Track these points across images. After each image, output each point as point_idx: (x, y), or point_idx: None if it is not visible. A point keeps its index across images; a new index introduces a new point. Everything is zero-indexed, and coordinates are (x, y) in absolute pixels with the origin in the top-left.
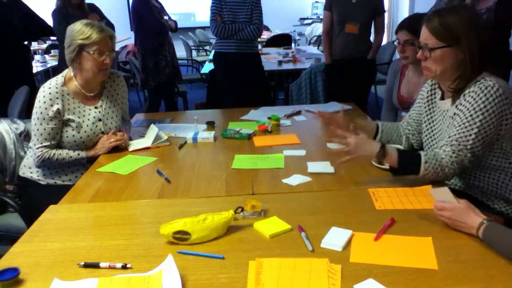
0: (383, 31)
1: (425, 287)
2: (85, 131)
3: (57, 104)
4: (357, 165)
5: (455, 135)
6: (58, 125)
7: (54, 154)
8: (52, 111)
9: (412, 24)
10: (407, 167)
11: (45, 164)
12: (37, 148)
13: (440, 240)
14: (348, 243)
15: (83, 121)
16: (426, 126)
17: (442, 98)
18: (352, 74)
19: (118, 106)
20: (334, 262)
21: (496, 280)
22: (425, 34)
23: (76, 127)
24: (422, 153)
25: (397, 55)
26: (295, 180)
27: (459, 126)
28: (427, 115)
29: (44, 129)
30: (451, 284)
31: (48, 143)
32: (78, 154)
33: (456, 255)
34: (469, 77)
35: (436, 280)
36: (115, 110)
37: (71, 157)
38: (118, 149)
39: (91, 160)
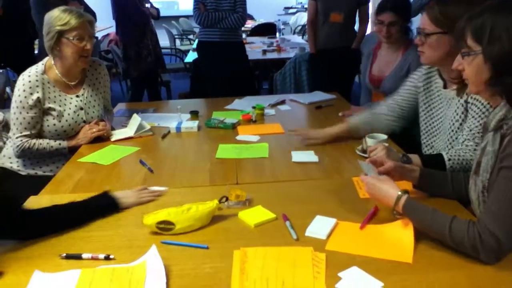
0: (368, 21)
1: (407, 273)
2: (66, 120)
3: (37, 92)
4: (341, 154)
5: (476, 127)
6: (38, 114)
7: (34, 143)
8: (32, 99)
9: (396, 4)
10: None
11: (25, 154)
12: (17, 138)
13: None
14: (332, 231)
15: (64, 110)
16: (425, 114)
17: (445, 86)
18: (336, 64)
19: (100, 95)
20: (319, 250)
21: (477, 267)
22: (423, 20)
23: (57, 115)
24: (443, 153)
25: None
26: (299, 156)
27: (479, 117)
28: (424, 104)
29: (24, 118)
30: (433, 270)
31: (28, 132)
32: (59, 144)
33: (437, 242)
34: None
35: (418, 267)
36: (97, 99)
37: (52, 146)
38: (100, 139)
39: (73, 150)
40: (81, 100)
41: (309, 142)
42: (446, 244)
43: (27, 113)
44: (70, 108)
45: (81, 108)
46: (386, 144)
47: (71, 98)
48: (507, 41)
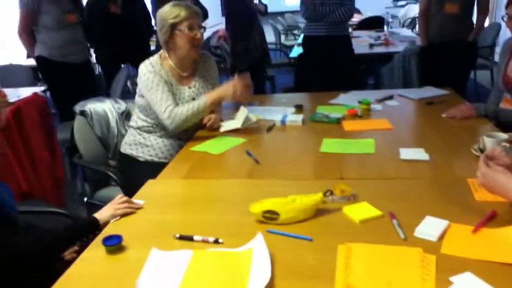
0: (488, 11)
1: None
2: None
3: (162, 75)
4: (455, 153)
5: None
6: (170, 91)
7: (180, 108)
8: (159, 79)
9: None
10: None
11: (176, 125)
12: (164, 112)
13: None
14: (443, 234)
15: (179, 99)
16: None
17: None
18: (449, 58)
19: (210, 86)
20: (428, 252)
21: None
22: None
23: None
24: None
25: (505, 36)
26: (408, 153)
27: None
28: None
29: (162, 93)
30: None
31: (171, 102)
32: (199, 104)
33: None
34: None
35: None
36: (207, 90)
37: (194, 106)
38: (210, 130)
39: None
40: (193, 91)
41: None
42: None
43: (161, 89)
44: (183, 98)
45: (193, 99)
46: (507, 145)
47: (184, 89)
48: None
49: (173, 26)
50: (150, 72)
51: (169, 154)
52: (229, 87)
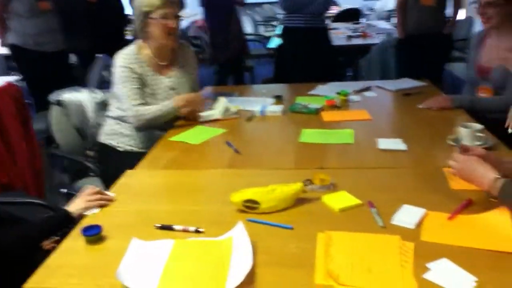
0: (461, 3)
1: (505, 270)
2: (160, 99)
3: (135, 68)
4: (431, 143)
5: None
6: (141, 87)
7: (146, 109)
8: (133, 73)
9: None
10: None
11: (140, 125)
12: (129, 109)
13: None
14: (421, 221)
15: (157, 89)
16: None
17: None
18: (426, 50)
19: (189, 76)
20: (406, 239)
21: None
22: None
23: (152, 94)
24: None
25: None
26: (386, 144)
27: None
28: None
29: (132, 89)
30: None
31: (139, 102)
32: (165, 105)
33: None
34: None
35: None
36: (186, 80)
37: (161, 109)
38: (189, 120)
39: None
40: (171, 81)
41: None
42: None
43: (131, 85)
44: (161, 88)
45: (172, 88)
46: (482, 135)
47: (163, 79)
48: None
49: (146, 15)
50: (123, 66)
51: (148, 144)
52: (196, 97)
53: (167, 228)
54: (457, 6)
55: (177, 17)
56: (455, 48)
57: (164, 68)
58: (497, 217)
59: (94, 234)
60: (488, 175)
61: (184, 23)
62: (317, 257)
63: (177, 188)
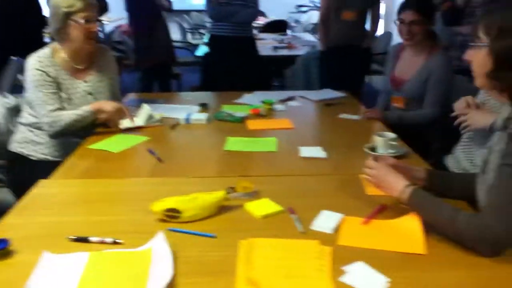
0: (379, 19)
1: (414, 270)
2: (76, 104)
3: (50, 72)
4: (350, 151)
5: None
6: (56, 90)
7: (62, 114)
8: (47, 77)
9: (419, 2)
10: None
11: (56, 132)
12: (44, 116)
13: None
14: (338, 226)
15: (73, 94)
16: None
17: None
18: (347, 62)
19: (108, 81)
20: (324, 244)
21: (484, 266)
22: None
23: (67, 99)
24: None
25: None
26: (308, 152)
27: None
28: None
29: (46, 95)
30: (440, 268)
31: (53, 107)
32: (83, 111)
33: (445, 239)
34: None
35: (425, 264)
36: (105, 85)
37: (78, 114)
38: (109, 127)
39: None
40: (89, 86)
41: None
42: (448, 237)
43: (47, 89)
44: (78, 93)
45: (90, 93)
46: (396, 143)
47: (79, 83)
48: (510, 39)
49: (68, 16)
50: (36, 69)
51: (65, 152)
52: (113, 105)
53: (82, 240)
54: (376, 21)
55: (98, 21)
56: (374, 61)
57: (81, 72)
58: (407, 221)
59: (0, 249)
60: (398, 183)
61: (108, 28)
62: (238, 265)
63: (94, 198)
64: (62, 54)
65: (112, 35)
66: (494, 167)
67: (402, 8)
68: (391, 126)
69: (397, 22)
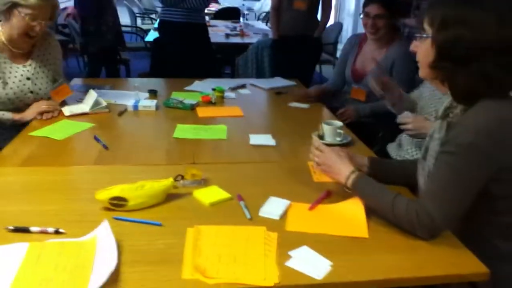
0: (330, 9)
1: (356, 253)
2: (11, 88)
3: None
4: (299, 139)
5: None
6: None
7: None
8: None
9: None
10: None
11: None
12: None
13: (372, 210)
14: (285, 212)
15: (9, 78)
16: None
17: None
18: (298, 51)
19: (50, 66)
20: (271, 230)
21: (421, 248)
22: None
23: (3, 82)
24: None
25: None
26: (257, 139)
27: None
28: None
29: None
30: (380, 251)
31: None
32: (3, 114)
33: (386, 224)
34: None
35: (366, 248)
36: (46, 71)
37: None
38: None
39: (17, 126)
40: (28, 70)
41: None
42: (389, 221)
43: None
44: (15, 77)
45: (28, 78)
46: (342, 131)
47: (18, 67)
48: (453, 31)
49: (15, 5)
50: None
51: (2, 139)
52: (34, 111)
53: (21, 230)
54: (327, 11)
55: (46, 23)
56: (324, 51)
57: (21, 57)
58: (351, 207)
59: None
60: (345, 169)
61: None
62: (185, 252)
63: (34, 187)
64: (1, 37)
65: (57, 18)
66: (433, 154)
67: (367, 1)
68: (377, 119)
69: (362, 15)
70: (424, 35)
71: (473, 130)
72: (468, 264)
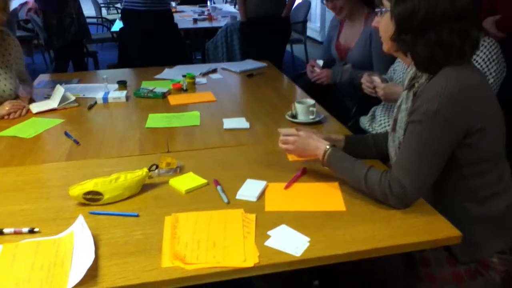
0: None
1: (332, 228)
2: None
3: None
4: (272, 120)
5: None
6: None
7: None
8: None
9: None
10: None
11: None
12: None
13: (346, 185)
14: (263, 193)
15: None
16: None
17: None
18: (267, 32)
19: (12, 66)
20: (249, 212)
21: (396, 218)
22: None
23: None
24: None
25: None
26: (231, 123)
27: None
28: None
29: None
30: (356, 224)
31: None
32: None
33: (361, 197)
34: None
35: (342, 222)
36: (8, 71)
37: None
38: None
39: None
40: None
41: None
42: (363, 193)
43: None
44: None
45: None
46: (315, 109)
47: None
48: (410, 3)
49: None
50: None
51: None
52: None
53: None
54: None
55: (2, 11)
56: (294, 31)
57: None
58: (325, 182)
59: None
60: (320, 145)
61: (13, 5)
62: (164, 241)
63: (5, 187)
64: None
65: (18, 14)
66: (402, 125)
67: None
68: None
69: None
70: (383, 10)
71: (436, 98)
72: (441, 229)
